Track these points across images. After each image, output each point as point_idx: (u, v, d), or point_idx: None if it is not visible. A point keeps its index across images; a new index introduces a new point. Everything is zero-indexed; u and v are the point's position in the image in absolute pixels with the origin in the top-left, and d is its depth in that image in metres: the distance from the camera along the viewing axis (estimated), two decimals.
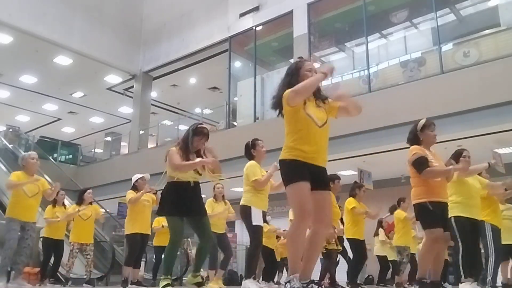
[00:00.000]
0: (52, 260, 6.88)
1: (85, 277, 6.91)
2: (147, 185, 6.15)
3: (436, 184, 3.92)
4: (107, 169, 14.90)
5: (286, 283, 2.73)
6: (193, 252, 9.80)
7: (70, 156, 18.06)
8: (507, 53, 8.19)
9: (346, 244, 6.54)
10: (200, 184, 4.08)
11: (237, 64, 13.65)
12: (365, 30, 10.44)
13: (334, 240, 6.25)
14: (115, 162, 15.72)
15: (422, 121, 4.14)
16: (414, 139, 4.12)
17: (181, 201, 3.85)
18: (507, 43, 8.69)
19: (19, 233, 5.35)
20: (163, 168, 4.05)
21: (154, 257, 7.39)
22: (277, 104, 2.95)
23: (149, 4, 15.76)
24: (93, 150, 18.08)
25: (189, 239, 10.04)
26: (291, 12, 11.65)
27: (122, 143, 18.08)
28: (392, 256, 7.99)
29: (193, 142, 3.99)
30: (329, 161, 2.96)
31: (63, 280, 6.80)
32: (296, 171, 2.74)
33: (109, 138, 19.22)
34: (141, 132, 15.12)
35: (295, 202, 2.75)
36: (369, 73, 10.16)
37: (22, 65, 14.64)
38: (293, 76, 2.94)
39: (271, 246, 7.61)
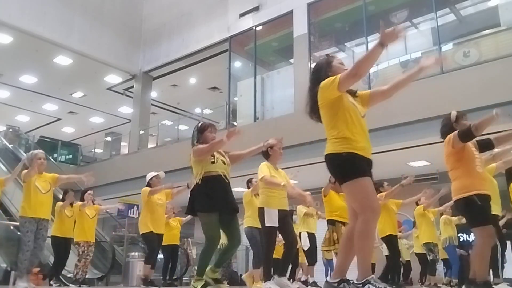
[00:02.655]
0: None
1: (86, 276, 6.91)
2: (169, 183, 6.07)
3: (480, 176, 3.62)
4: (107, 169, 14.87)
5: (365, 285, 2.46)
6: (193, 252, 9.80)
7: (70, 156, 18.07)
8: (507, 53, 8.19)
9: None
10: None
11: (237, 64, 13.64)
12: (365, 30, 10.42)
13: None
14: (115, 162, 15.71)
15: (454, 113, 3.89)
16: (450, 132, 3.83)
17: (215, 193, 3.69)
18: (507, 43, 8.69)
19: None
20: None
21: (163, 256, 7.29)
22: (312, 104, 2.78)
23: (149, 4, 15.75)
24: (93, 150, 18.04)
25: (189, 239, 10.04)
26: (291, 12, 11.63)
27: (122, 143, 18.08)
28: (406, 256, 7.89)
29: (206, 139, 3.90)
30: None
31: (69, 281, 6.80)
32: (358, 165, 2.56)
33: (109, 138, 19.19)
34: (141, 132, 15.09)
35: (363, 200, 2.55)
36: (369, 73, 10.14)
37: (22, 65, 14.61)
38: (325, 70, 2.79)
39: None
